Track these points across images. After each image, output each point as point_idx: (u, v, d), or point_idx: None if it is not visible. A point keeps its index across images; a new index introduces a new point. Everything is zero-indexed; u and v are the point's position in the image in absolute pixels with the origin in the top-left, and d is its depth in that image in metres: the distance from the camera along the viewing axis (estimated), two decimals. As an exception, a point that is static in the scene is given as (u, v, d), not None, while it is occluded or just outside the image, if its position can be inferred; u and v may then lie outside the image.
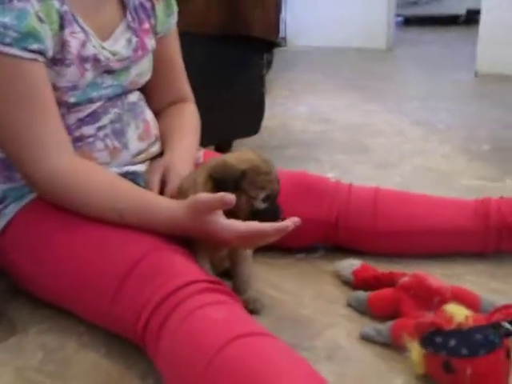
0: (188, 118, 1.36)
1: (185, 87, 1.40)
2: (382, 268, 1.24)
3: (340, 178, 1.37)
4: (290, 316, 1.11)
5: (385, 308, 1.08)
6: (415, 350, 0.91)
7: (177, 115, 1.35)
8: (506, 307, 0.93)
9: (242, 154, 1.08)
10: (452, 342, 0.86)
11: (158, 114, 1.35)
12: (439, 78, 3.39)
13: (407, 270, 1.23)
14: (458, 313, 0.91)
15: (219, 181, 1.03)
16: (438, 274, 1.23)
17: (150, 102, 1.34)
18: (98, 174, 1.09)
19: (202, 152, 1.39)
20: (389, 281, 1.13)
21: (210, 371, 0.78)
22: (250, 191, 1.02)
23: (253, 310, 1.08)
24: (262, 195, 1.03)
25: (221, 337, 0.81)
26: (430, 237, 1.28)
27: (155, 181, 1.17)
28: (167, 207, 1.04)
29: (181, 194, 1.09)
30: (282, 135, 2.31)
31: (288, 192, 1.30)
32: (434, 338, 0.88)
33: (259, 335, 0.84)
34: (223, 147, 2.01)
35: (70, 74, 1.08)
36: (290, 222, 0.99)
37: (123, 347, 1.00)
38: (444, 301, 1.02)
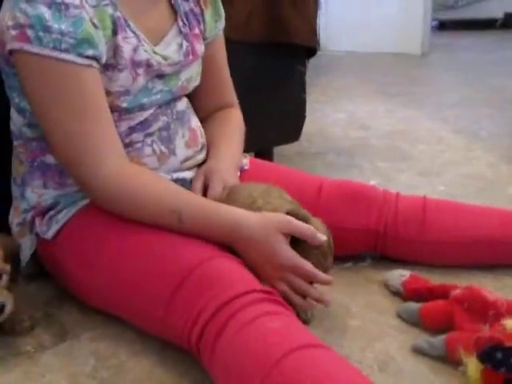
0: (233, 125, 1.37)
1: (231, 93, 1.41)
2: (431, 279, 1.22)
3: (383, 185, 1.37)
4: (340, 327, 1.10)
5: (437, 320, 1.07)
6: (472, 365, 0.90)
7: (222, 121, 1.36)
8: None
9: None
10: (513, 359, 0.85)
11: (204, 119, 1.36)
12: (478, 84, 3.33)
13: (456, 281, 1.22)
14: (517, 328, 0.89)
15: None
16: (490, 286, 1.21)
17: (196, 108, 1.35)
18: (155, 178, 1.10)
19: (248, 159, 1.39)
20: (441, 292, 1.11)
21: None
22: None
23: (305, 321, 1.08)
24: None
25: (278, 348, 0.81)
26: (480, 247, 1.26)
27: (197, 187, 1.18)
28: (231, 210, 1.04)
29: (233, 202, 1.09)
30: (321, 142, 2.30)
31: (336, 200, 1.30)
32: (493, 354, 0.86)
33: (315, 347, 0.84)
34: (264, 154, 2.00)
35: (123, 78, 1.10)
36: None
37: (176, 355, 1.00)
38: (499, 314, 1.00)
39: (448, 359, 0.98)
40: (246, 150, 1.93)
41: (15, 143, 1.21)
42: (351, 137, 2.35)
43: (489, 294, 1.04)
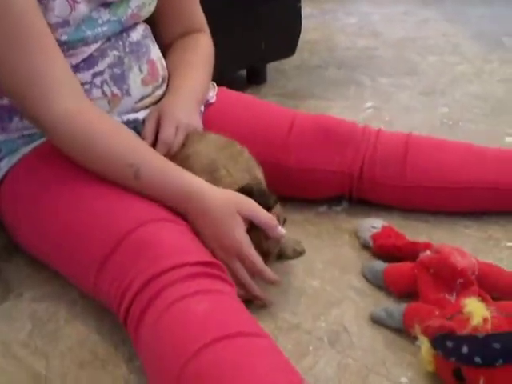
0: (199, 52, 1.22)
1: (198, 15, 1.25)
2: (409, 228, 1.12)
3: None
4: (297, 287, 1.01)
5: (401, 284, 0.97)
6: (425, 348, 0.81)
7: (187, 48, 1.21)
8: None
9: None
10: (464, 349, 0.75)
11: (167, 47, 1.22)
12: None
13: (436, 231, 1.12)
14: (476, 313, 0.78)
15: (256, 198, 0.94)
16: (472, 238, 1.10)
17: (158, 34, 1.20)
18: (116, 125, 0.98)
19: (215, 91, 1.26)
20: (410, 252, 1.00)
21: (183, 379, 0.71)
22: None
23: (302, 252, 1.09)
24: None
25: (199, 337, 0.72)
26: (465, 193, 1.13)
27: (149, 128, 1.05)
28: (197, 182, 0.93)
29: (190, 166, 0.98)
30: (323, 52, 2.11)
31: (309, 138, 1.18)
32: (444, 342, 0.77)
33: (246, 335, 0.75)
34: (256, 72, 1.85)
35: (58, 7, 0.95)
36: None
37: (114, 322, 0.93)
38: (468, 283, 0.90)
39: (406, 332, 0.89)
40: (236, 69, 1.80)
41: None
42: (357, 46, 2.15)
43: (460, 258, 0.92)
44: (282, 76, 1.91)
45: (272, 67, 1.90)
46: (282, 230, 0.94)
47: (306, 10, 1.86)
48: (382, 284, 0.99)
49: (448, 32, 2.23)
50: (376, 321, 0.93)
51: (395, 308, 0.92)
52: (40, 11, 0.93)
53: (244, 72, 1.87)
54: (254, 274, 0.94)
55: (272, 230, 0.93)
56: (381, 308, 0.93)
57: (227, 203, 0.91)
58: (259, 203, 0.93)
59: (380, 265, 1.01)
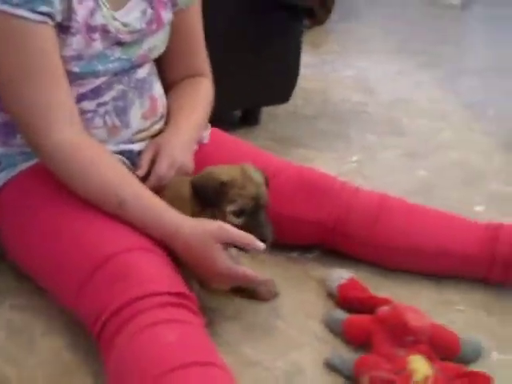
0: (200, 96, 1.30)
1: (202, 62, 1.34)
2: (374, 282, 1.19)
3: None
4: (261, 326, 1.09)
5: (358, 336, 1.04)
6: (371, 397, 0.88)
7: (189, 91, 1.29)
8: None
9: (232, 166, 1.04)
10: (404, 403, 0.82)
11: (170, 87, 1.30)
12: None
13: (398, 288, 1.19)
14: (419, 370, 0.85)
15: (200, 191, 1.00)
16: (429, 299, 1.18)
17: (162, 74, 1.29)
18: (108, 157, 1.05)
19: (208, 131, 1.34)
20: (370, 306, 1.07)
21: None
22: (222, 204, 0.99)
23: (276, 294, 1.15)
24: (230, 208, 0.99)
25: (159, 365, 0.79)
26: (427, 257, 1.21)
27: (145, 159, 1.13)
28: (174, 216, 1.00)
29: (166, 196, 1.05)
30: (317, 103, 2.21)
31: (291, 189, 1.26)
32: (387, 394, 0.84)
33: (206, 365, 0.81)
34: (250, 115, 1.94)
35: (76, 43, 1.04)
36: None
37: (88, 337, 0.98)
38: (418, 341, 0.97)
39: (356, 381, 0.95)
40: (230, 109, 1.89)
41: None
42: (351, 101, 2.25)
43: (413, 317, 0.99)
44: (275, 121, 2.00)
45: (265, 111, 1.99)
46: (260, 244, 0.99)
47: (305, 59, 1.96)
48: (340, 333, 1.06)
49: (438, 98, 2.34)
50: (330, 367, 0.99)
51: (349, 357, 0.99)
52: (57, 46, 1.01)
53: (238, 112, 1.96)
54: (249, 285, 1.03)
55: (251, 246, 0.98)
56: (336, 355, 1.00)
57: (201, 233, 0.97)
58: (205, 190, 1.00)
59: (341, 314, 1.08)
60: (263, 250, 0.99)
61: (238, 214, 1.00)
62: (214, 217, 1.00)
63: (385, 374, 0.85)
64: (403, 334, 0.97)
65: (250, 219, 1.00)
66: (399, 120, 2.09)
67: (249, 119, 1.94)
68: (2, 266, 1.18)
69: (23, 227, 1.08)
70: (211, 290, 1.10)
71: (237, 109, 1.91)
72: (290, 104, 1.98)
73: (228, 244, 0.98)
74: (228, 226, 0.98)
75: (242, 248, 0.99)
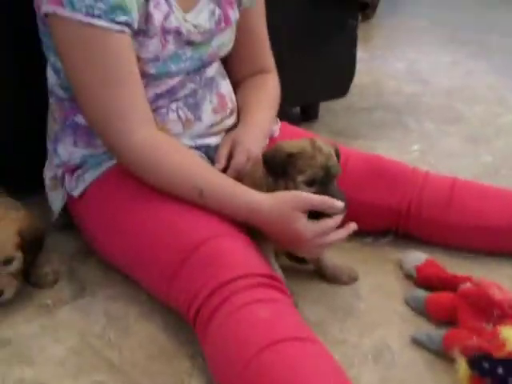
0: (268, 92, 1.35)
1: (268, 59, 1.38)
2: (451, 263, 1.21)
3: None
4: (344, 307, 1.11)
5: (442, 313, 1.06)
6: (462, 368, 0.90)
7: (257, 88, 1.34)
8: None
9: (301, 140, 1.07)
10: (500, 370, 0.84)
11: (238, 84, 1.35)
12: None
13: (476, 268, 1.20)
14: (511, 339, 0.87)
15: (269, 162, 1.05)
16: (510, 277, 1.18)
17: (230, 72, 1.33)
18: (183, 151, 1.10)
19: (278, 125, 1.38)
20: (451, 284, 1.09)
21: (246, 375, 0.81)
22: (291, 174, 1.03)
23: (355, 278, 1.18)
24: (300, 178, 1.02)
25: (260, 339, 0.83)
26: (504, 236, 1.22)
27: (222, 153, 1.18)
28: (252, 196, 1.04)
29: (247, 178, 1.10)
30: (372, 96, 2.22)
31: (361, 176, 1.28)
32: (481, 362, 0.86)
33: (301, 340, 0.85)
34: (309, 110, 1.97)
35: (153, 45, 1.10)
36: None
37: (180, 322, 1.04)
38: (505, 315, 0.98)
39: (444, 355, 0.97)
40: (290, 106, 1.92)
41: (50, 101, 1.24)
42: (405, 92, 2.26)
43: (497, 291, 1.01)
44: (332, 114, 2.03)
45: (322, 105, 2.02)
46: (339, 203, 1.01)
47: (357, 55, 1.98)
48: (423, 311, 1.08)
49: (494, 84, 2.33)
50: (417, 343, 1.02)
51: (436, 332, 1.01)
52: (133, 53, 1.07)
53: (297, 109, 1.99)
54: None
55: (330, 207, 1.01)
56: (422, 332, 1.02)
57: (280, 206, 1.01)
58: (274, 162, 1.04)
59: (422, 293, 1.10)
60: (341, 210, 1.01)
61: (309, 183, 1.02)
62: (287, 189, 1.03)
63: (479, 343, 0.87)
64: (489, 309, 0.99)
65: (322, 189, 1.02)
66: (455, 108, 2.09)
67: (308, 114, 1.97)
68: (89, 261, 1.24)
69: (113, 223, 1.13)
70: (301, 262, 1.17)
71: (298, 105, 1.94)
72: (344, 99, 2.00)
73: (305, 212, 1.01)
74: (303, 193, 1.01)
75: (319, 214, 1.01)
